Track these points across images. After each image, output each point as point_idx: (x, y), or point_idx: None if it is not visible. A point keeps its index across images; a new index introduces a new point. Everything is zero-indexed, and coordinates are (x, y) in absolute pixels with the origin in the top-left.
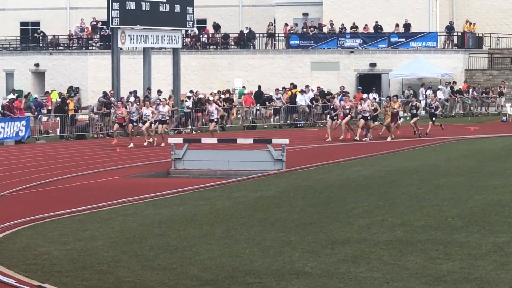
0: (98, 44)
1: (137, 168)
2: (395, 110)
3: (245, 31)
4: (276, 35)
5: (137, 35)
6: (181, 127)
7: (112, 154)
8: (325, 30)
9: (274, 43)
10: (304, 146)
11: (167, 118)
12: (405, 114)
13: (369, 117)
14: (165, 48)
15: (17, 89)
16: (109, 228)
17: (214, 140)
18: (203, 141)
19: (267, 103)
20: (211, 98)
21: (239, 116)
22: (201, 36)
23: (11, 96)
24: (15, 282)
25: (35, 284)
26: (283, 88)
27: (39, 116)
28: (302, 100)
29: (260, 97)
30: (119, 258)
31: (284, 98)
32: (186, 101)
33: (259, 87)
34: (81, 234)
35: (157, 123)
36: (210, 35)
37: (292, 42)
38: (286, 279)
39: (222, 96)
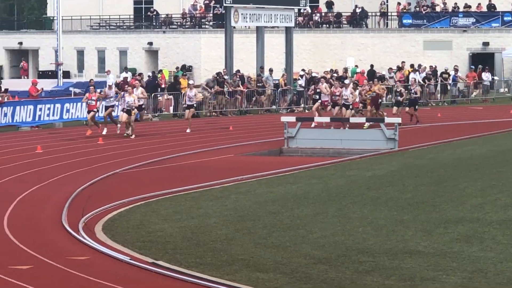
0: (211, 23)
1: (250, 146)
2: (375, 94)
3: (358, 10)
4: (389, 14)
5: (250, 14)
6: (294, 105)
7: (225, 132)
8: (437, 9)
9: (387, 22)
10: (417, 125)
11: (133, 107)
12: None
13: (350, 106)
14: (278, 27)
15: (130, 67)
16: (222, 206)
17: (327, 119)
18: (316, 120)
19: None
20: (190, 82)
21: None
22: (313, 15)
23: (124, 74)
24: (129, 259)
25: (149, 261)
26: (397, 66)
27: (152, 94)
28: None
29: (372, 76)
30: (232, 236)
31: (397, 77)
32: (298, 79)
33: (372, 66)
34: (194, 212)
35: (122, 111)
36: (323, 14)
37: (404, 21)
38: (399, 258)
39: (335, 75)
